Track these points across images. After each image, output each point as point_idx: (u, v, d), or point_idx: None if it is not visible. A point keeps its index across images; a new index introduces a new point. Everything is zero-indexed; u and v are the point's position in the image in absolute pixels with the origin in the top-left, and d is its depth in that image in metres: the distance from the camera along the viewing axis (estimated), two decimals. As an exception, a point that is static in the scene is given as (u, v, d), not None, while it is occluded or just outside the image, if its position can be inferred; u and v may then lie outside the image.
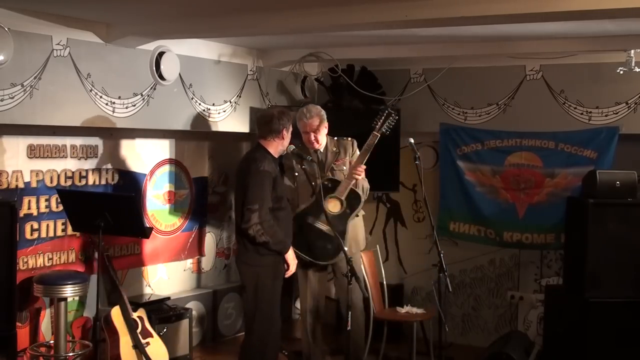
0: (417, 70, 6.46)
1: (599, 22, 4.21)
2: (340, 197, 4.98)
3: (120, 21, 4.75)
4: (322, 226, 4.96)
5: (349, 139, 5.23)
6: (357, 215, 5.20)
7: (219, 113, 5.77)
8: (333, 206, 4.99)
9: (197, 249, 6.19)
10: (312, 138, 5.04)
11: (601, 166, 5.63)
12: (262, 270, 4.51)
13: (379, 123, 4.95)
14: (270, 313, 4.56)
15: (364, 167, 4.98)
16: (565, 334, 5.31)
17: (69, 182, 5.09)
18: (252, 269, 4.53)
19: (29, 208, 4.84)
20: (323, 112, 5.10)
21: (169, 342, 5.29)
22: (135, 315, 4.88)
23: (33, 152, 4.85)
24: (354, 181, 4.99)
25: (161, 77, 5.17)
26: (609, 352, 5.14)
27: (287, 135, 4.64)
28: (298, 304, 5.89)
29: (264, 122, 4.63)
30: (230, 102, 5.87)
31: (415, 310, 5.85)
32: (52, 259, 4.99)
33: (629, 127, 5.70)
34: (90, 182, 5.24)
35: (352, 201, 5.03)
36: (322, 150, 5.12)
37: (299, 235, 4.86)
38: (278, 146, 4.63)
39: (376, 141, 4.93)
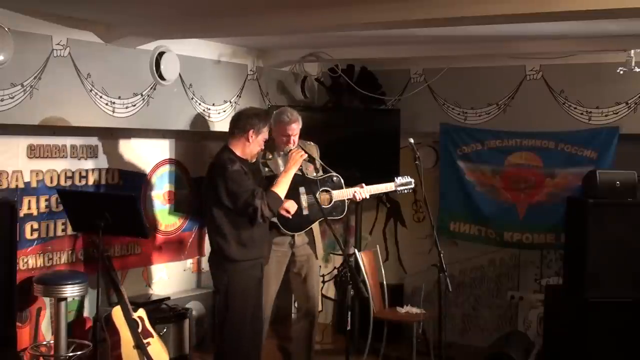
0: (417, 70, 6.47)
1: (599, 22, 4.21)
2: (335, 196, 4.93)
3: (120, 21, 4.74)
4: (304, 202, 4.83)
5: (312, 143, 5.10)
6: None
7: (219, 113, 5.76)
8: (321, 199, 4.90)
9: (197, 249, 6.19)
10: (291, 140, 4.78)
11: (601, 166, 5.63)
12: (232, 277, 4.41)
13: None
14: (239, 323, 4.42)
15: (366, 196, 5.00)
16: (565, 334, 5.31)
17: (69, 182, 5.09)
18: (223, 274, 4.44)
19: (29, 208, 4.83)
20: (300, 117, 4.94)
21: (169, 342, 5.29)
22: (135, 315, 4.88)
23: (33, 152, 4.85)
24: (351, 196, 4.96)
25: (161, 77, 5.17)
26: (609, 352, 5.14)
27: (255, 139, 4.45)
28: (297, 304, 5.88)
29: (233, 119, 4.56)
30: (230, 102, 5.86)
31: (415, 310, 5.86)
32: (52, 259, 4.99)
33: (629, 127, 5.70)
34: (90, 182, 5.23)
35: (335, 208, 4.96)
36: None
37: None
38: (244, 147, 4.46)
39: None
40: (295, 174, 4.71)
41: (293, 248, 4.91)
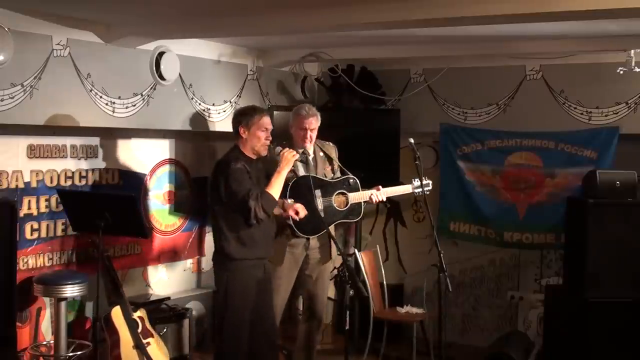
0: (417, 70, 6.46)
1: (599, 22, 4.21)
2: (351, 199, 4.91)
3: (120, 21, 4.74)
4: (320, 205, 4.82)
5: (331, 144, 5.11)
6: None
7: (219, 113, 5.76)
8: (337, 202, 4.94)
9: (197, 249, 6.19)
10: (308, 135, 4.84)
11: (601, 166, 5.63)
12: (231, 275, 4.41)
13: None
14: (238, 323, 4.42)
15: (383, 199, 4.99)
16: (565, 334, 5.31)
17: (69, 182, 5.09)
18: (224, 273, 4.45)
19: (29, 208, 4.83)
20: (318, 114, 4.98)
21: (169, 342, 5.29)
22: (135, 315, 4.88)
23: (33, 152, 4.85)
24: (367, 198, 4.95)
25: (161, 77, 5.17)
26: (609, 352, 5.14)
27: (249, 133, 4.46)
28: (299, 304, 5.90)
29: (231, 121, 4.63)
30: (230, 102, 5.86)
31: (415, 310, 5.86)
32: (52, 259, 4.99)
33: (629, 127, 5.70)
34: (90, 182, 5.23)
35: (352, 211, 4.96)
36: (311, 152, 4.93)
37: (297, 197, 4.69)
38: (245, 144, 4.50)
39: None
40: (313, 177, 4.75)
41: (307, 250, 4.91)
